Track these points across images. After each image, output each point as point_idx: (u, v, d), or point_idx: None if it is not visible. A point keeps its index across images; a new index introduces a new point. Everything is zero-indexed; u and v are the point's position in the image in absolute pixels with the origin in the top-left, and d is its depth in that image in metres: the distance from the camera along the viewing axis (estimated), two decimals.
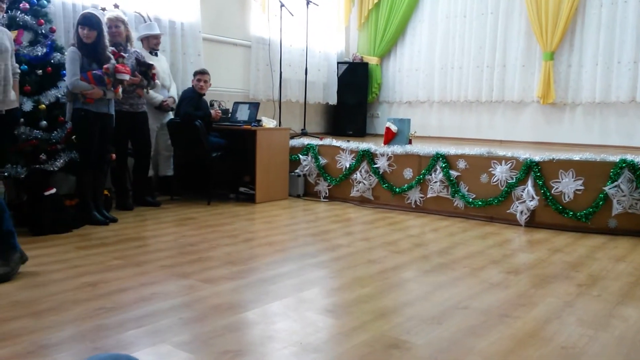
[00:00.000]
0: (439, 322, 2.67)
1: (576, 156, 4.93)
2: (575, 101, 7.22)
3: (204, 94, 5.86)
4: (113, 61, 4.59)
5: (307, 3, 7.17)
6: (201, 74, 5.77)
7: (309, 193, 6.49)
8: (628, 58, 6.73)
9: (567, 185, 4.88)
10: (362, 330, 2.56)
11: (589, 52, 7.02)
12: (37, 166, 4.41)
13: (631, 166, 4.67)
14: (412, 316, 2.75)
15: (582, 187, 4.84)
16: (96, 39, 4.51)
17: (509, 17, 7.59)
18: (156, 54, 5.72)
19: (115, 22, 5.02)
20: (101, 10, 5.13)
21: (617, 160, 4.73)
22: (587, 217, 4.81)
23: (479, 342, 2.44)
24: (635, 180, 4.67)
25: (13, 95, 4.06)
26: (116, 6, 5.28)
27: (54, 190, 4.41)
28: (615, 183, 4.70)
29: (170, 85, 5.90)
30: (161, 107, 5.74)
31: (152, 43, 5.66)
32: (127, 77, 4.65)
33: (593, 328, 2.64)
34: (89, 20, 4.47)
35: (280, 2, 6.89)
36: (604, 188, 4.74)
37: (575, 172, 4.86)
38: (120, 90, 4.68)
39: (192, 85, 5.81)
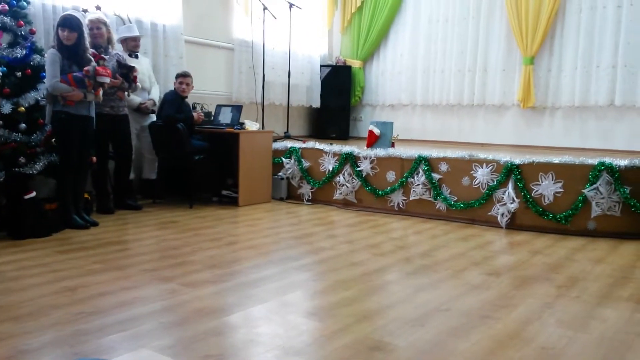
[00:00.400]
0: (421, 324, 2.68)
1: (556, 159, 4.99)
2: (555, 105, 7.32)
3: (186, 97, 5.83)
4: (94, 63, 4.55)
5: (290, 6, 7.18)
6: (183, 77, 5.75)
7: (292, 196, 6.48)
8: (607, 62, 6.84)
9: (547, 188, 4.94)
10: (345, 332, 2.56)
11: (569, 56, 7.12)
12: (17, 169, 4.35)
13: (609, 169, 4.74)
14: (394, 318, 2.76)
15: (561, 190, 4.90)
16: (76, 41, 4.47)
17: (489, 22, 7.67)
18: (136, 56, 5.67)
19: (97, 24, 4.97)
20: (82, 12, 5.08)
21: (596, 163, 4.80)
22: (567, 219, 4.87)
23: (460, 344, 2.46)
24: (613, 183, 4.74)
25: None
26: (98, 8, 5.24)
27: (33, 194, 4.36)
28: (594, 185, 4.76)
29: (150, 87, 5.85)
30: (139, 109, 5.70)
31: (130, 45, 5.61)
32: (107, 79, 4.61)
33: (572, 329, 2.68)
34: (69, 22, 4.43)
35: (263, 5, 6.89)
36: (583, 190, 4.81)
37: (555, 175, 4.93)
38: (100, 92, 4.64)
39: (174, 88, 5.78)
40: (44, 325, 2.54)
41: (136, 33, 5.64)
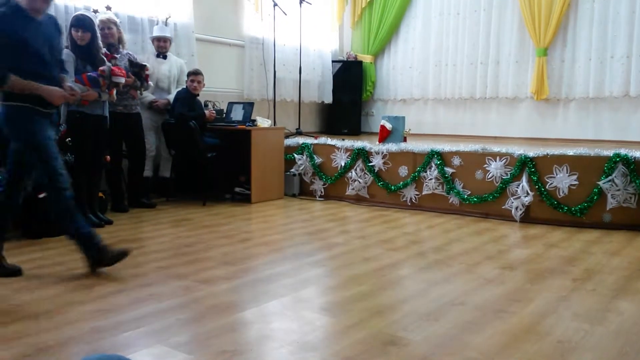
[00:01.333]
0: (436, 319, 2.67)
1: (570, 151, 4.95)
2: (568, 96, 7.24)
3: (197, 95, 5.85)
4: (109, 63, 4.59)
5: (301, 2, 7.17)
6: (194, 75, 5.76)
7: (304, 192, 6.49)
8: (621, 53, 6.76)
9: (562, 181, 4.90)
10: (359, 327, 2.56)
11: (582, 47, 7.04)
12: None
13: (625, 160, 4.69)
14: (408, 313, 2.75)
15: (576, 182, 4.86)
16: (90, 41, 4.51)
17: (501, 14, 7.60)
18: (164, 57, 5.78)
19: (108, 24, 5.01)
20: (93, 12, 5.12)
21: (611, 155, 4.75)
22: (582, 211, 4.82)
23: (475, 338, 2.45)
24: (629, 175, 4.69)
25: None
26: (108, 8, 5.28)
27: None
28: (610, 177, 4.72)
29: (169, 87, 5.90)
30: (151, 107, 5.75)
31: (156, 45, 5.78)
32: (122, 80, 4.65)
33: (589, 322, 2.66)
34: (82, 22, 4.46)
35: (273, 1, 6.89)
36: (598, 183, 4.76)
37: (569, 167, 4.88)
38: (114, 92, 4.67)
39: (186, 86, 5.80)
40: (61, 323, 2.57)
41: (164, 34, 5.77)
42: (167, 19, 5.91)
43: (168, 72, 5.86)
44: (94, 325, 2.55)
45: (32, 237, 4.24)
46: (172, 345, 2.36)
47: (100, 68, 4.51)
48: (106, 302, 2.87)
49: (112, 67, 4.57)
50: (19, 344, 2.35)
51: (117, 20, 5.16)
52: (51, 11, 5.06)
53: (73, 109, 4.56)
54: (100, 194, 5.00)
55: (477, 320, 2.66)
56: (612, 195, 4.72)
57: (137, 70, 5.04)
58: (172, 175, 6.04)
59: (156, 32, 5.78)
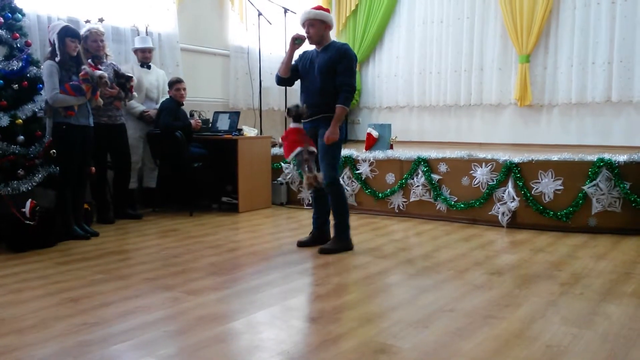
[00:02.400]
0: (425, 326, 2.68)
1: (555, 156, 4.99)
2: (551, 102, 7.33)
3: (182, 104, 5.83)
4: (84, 66, 4.57)
5: (285, 11, 7.18)
6: (178, 83, 5.75)
7: (292, 201, 6.48)
8: (602, 59, 6.86)
9: (547, 186, 4.94)
10: (349, 336, 2.56)
11: (564, 53, 7.14)
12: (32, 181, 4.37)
13: (609, 165, 4.75)
14: (398, 320, 2.75)
15: (561, 187, 4.90)
16: (78, 51, 4.54)
17: (484, 22, 7.69)
18: (148, 67, 5.77)
19: (101, 36, 5.08)
20: (85, 22, 5.14)
21: (595, 160, 4.80)
22: (568, 216, 4.87)
23: (465, 344, 2.46)
24: (613, 179, 4.74)
25: None
26: (101, 20, 5.30)
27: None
28: (594, 182, 4.77)
29: (158, 97, 5.89)
30: (142, 118, 5.72)
31: (141, 56, 5.75)
32: (103, 73, 4.63)
33: (577, 326, 2.67)
34: (77, 33, 4.55)
35: (258, 10, 6.90)
36: (583, 187, 4.81)
37: (554, 172, 4.93)
38: (99, 96, 4.64)
39: (171, 96, 5.77)
40: (47, 337, 2.54)
41: (147, 45, 5.74)
42: (146, 28, 5.89)
43: (156, 82, 5.87)
44: (81, 339, 2.52)
45: (17, 251, 4.18)
46: (161, 357, 2.33)
47: (81, 73, 4.48)
48: (93, 315, 2.83)
49: (88, 66, 4.56)
50: (5, 358, 2.31)
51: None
52: (35, 23, 5.07)
53: (59, 121, 4.53)
54: (86, 206, 4.95)
55: (466, 327, 2.67)
56: (597, 199, 4.77)
57: (123, 82, 5.03)
58: (158, 186, 6.00)
59: (139, 43, 5.76)
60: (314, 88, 4.18)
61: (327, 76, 4.11)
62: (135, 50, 5.78)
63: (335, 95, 4.10)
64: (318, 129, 4.20)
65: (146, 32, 5.90)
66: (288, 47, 4.24)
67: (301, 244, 4.39)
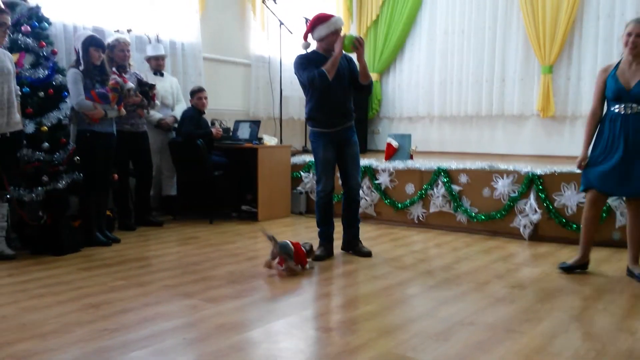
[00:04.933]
0: (445, 338, 2.65)
1: (578, 169, 4.91)
2: (575, 113, 7.23)
3: (204, 113, 5.89)
4: (114, 76, 4.65)
5: (306, 21, 7.21)
6: (200, 92, 5.83)
7: (311, 210, 6.46)
8: None
9: (570, 198, 4.87)
10: (368, 347, 2.54)
11: (588, 64, 7.05)
12: (54, 187, 4.43)
13: None
14: (417, 332, 2.73)
15: (585, 200, 4.82)
16: (103, 60, 4.63)
17: (506, 32, 7.63)
18: (161, 74, 5.83)
19: (128, 46, 5.18)
20: (114, 32, 5.24)
21: None
22: None
23: (486, 358, 2.42)
24: None
25: (17, 117, 4.11)
26: (129, 30, 5.40)
27: None
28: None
29: (173, 104, 5.95)
30: (160, 126, 5.78)
31: (154, 64, 5.79)
32: (132, 85, 4.76)
33: (600, 342, 2.62)
34: (101, 42, 4.63)
35: (279, 20, 6.95)
36: (607, 200, 4.73)
37: (577, 185, 4.85)
38: (122, 107, 4.72)
39: (192, 105, 5.84)
40: (68, 343, 2.56)
41: (161, 52, 5.80)
42: (157, 35, 5.96)
43: (170, 89, 5.92)
44: (102, 345, 2.54)
45: (59, 254, 4.26)
46: None
47: (111, 82, 4.57)
48: (113, 321, 2.85)
49: (119, 77, 4.65)
50: None
51: None
52: (61, 32, 5.17)
53: (83, 128, 4.61)
54: (108, 212, 5.01)
55: (487, 340, 2.63)
56: (620, 212, 4.69)
57: (146, 90, 5.10)
58: (179, 194, 6.05)
59: (152, 51, 5.81)
60: (347, 96, 4.28)
61: (351, 84, 4.25)
62: (149, 59, 5.82)
63: (352, 103, 4.33)
64: (346, 137, 4.31)
65: (157, 39, 5.96)
66: (338, 47, 4.07)
67: (318, 259, 4.24)
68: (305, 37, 4.27)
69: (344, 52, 4.11)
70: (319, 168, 4.37)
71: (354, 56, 4.24)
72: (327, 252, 4.36)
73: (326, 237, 4.39)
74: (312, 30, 4.20)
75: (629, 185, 3.67)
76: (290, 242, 3.91)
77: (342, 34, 4.14)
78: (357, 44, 4.04)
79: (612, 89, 3.74)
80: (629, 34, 3.66)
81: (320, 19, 4.17)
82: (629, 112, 3.67)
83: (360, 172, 4.40)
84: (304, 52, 4.29)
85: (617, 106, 3.73)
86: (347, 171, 4.38)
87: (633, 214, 3.79)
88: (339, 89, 4.22)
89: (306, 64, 4.15)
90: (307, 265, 3.95)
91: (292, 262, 3.83)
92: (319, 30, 4.17)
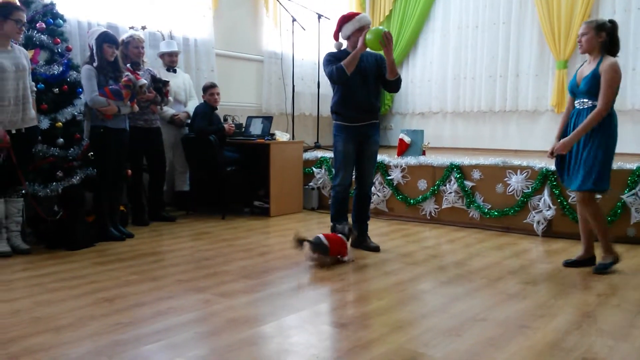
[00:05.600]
0: (458, 334, 2.64)
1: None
2: None
3: (216, 109, 5.91)
4: (128, 73, 4.68)
5: (319, 17, 7.21)
6: (212, 88, 5.85)
7: (323, 206, 6.48)
8: None
9: None
10: (380, 343, 2.54)
11: None
12: (69, 182, 4.47)
13: None
14: (429, 328, 2.72)
15: (599, 196, 4.77)
16: (116, 56, 4.66)
17: (521, 27, 7.57)
18: (174, 71, 5.86)
19: (142, 43, 5.21)
20: (129, 29, 5.29)
21: (635, 168, 4.68)
22: None
23: (498, 354, 2.41)
24: None
25: (33, 113, 4.15)
26: (144, 27, 5.45)
27: None
28: (633, 191, 4.64)
29: (186, 100, 5.98)
30: (173, 121, 5.81)
31: (167, 60, 5.82)
32: (145, 81, 4.79)
33: (614, 338, 2.60)
34: (115, 39, 4.65)
35: (292, 16, 6.95)
36: (621, 196, 4.68)
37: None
38: (135, 103, 4.75)
39: (205, 101, 5.86)
40: (82, 336, 2.59)
41: (174, 49, 5.83)
42: (170, 32, 5.99)
43: (183, 85, 5.95)
44: (115, 338, 2.57)
45: (74, 249, 4.31)
46: (192, 359, 2.35)
47: (124, 79, 4.59)
48: (126, 315, 2.88)
49: (132, 74, 4.68)
50: (42, 356, 2.37)
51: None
52: (75, 28, 5.21)
53: (97, 124, 4.64)
54: (122, 208, 5.05)
55: (500, 336, 2.62)
56: (636, 209, 4.64)
57: (160, 86, 5.12)
58: (192, 189, 6.08)
59: (165, 48, 5.84)
60: (372, 92, 4.29)
61: (378, 80, 4.26)
62: (162, 55, 5.85)
63: (379, 100, 4.39)
64: (368, 134, 4.36)
65: (170, 36, 5.99)
66: (360, 43, 4.05)
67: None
68: (336, 37, 4.33)
69: (370, 49, 4.11)
70: (338, 161, 4.40)
71: (382, 52, 4.20)
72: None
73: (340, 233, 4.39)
74: (340, 29, 4.26)
75: (575, 179, 3.78)
76: (324, 235, 3.96)
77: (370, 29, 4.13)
78: (385, 40, 3.99)
79: (569, 84, 3.93)
80: (579, 34, 3.86)
81: (346, 18, 4.23)
82: (581, 107, 3.78)
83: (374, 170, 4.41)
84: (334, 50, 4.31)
85: (576, 101, 3.86)
86: (363, 168, 4.42)
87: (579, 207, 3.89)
88: (363, 85, 4.23)
89: (332, 61, 4.21)
90: (346, 257, 4.00)
91: (329, 258, 3.90)
92: (345, 29, 4.23)
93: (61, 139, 4.49)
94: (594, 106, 3.69)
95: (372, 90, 4.30)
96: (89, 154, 4.64)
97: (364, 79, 4.22)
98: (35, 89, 4.28)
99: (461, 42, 8.14)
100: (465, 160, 5.57)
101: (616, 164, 4.79)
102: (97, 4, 5.46)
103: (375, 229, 5.37)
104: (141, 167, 5.41)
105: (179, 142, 5.91)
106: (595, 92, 3.68)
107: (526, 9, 7.51)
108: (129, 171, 5.08)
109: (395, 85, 4.30)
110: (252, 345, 2.52)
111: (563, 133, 3.90)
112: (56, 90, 4.54)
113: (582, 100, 3.78)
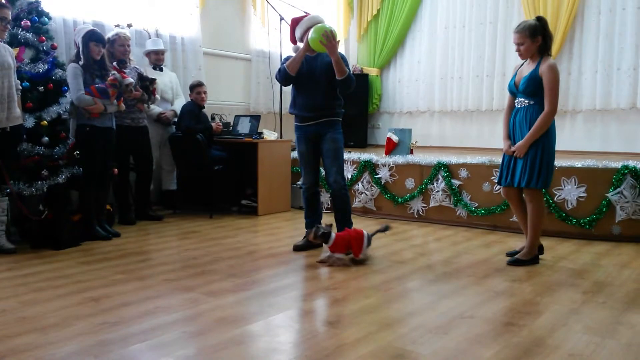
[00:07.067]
0: (445, 332, 2.65)
1: (578, 163, 4.93)
2: (575, 108, 7.22)
3: (203, 107, 5.89)
4: (113, 71, 4.65)
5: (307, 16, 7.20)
6: (199, 86, 5.83)
7: None
8: (627, 65, 6.74)
9: (570, 193, 4.88)
10: (367, 341, 2.54)
11: (589, 59, 7.03)
12: (54, 182, 4.43)
13: (633, 172, 4.67)
14: (417, 326, 2.73)
15: (584, 194, 4.83)
16: (102, 55, 4.62)
17: (507, 26, 7.60)
18: (160, 69, 5.82)
19: (128, 41, 5.18)
20: (115, 27, 5.25)
21: (619, 167, 4.73)
22: (591, 224, 4.79)
23: (485, 352, 2.43)
24: (637, 186, 4.66)
25: (18, 111, 4.11)
26: (129, 25, 5.40)
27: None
28: (618, 189, 4.69)
29: (173, 99, 5.95)
30: (159, 120, 5.78)
31: (153, 58, 5.77)
32: (131, 80, 4.74)
33: (600, 335, 2.62)
34: (102, 37, 4.62)
35: (279, 15, 6.94)
36: (606, 195, 4.73)
37: (577, 179, 4.86)
38: (122, 102, 4.72)
39: (192, 99, 5.83)
40: (68, 336, 2.57)
41: (160, 47, 5.80)
42: (157, 30, 5.97)
43: (169, 83, 5.92)
44: (102, 338, 2.55)
45: (59, 249, 4.27)
46: (180, 358, 2.34)
47: (110, 78, 4.56)
48: (113, 314, 2.86)
49: (119, 72, 4.64)
50: (27, 356, 2.34)
51: None
52: (61, 26, 5.16)
53: (83, 123, 4.60)
54: (108, 207, 5.01)
55: (486, 334, 2.64)
56: (621, 207, 4.69)
57: (147, 84, 5.09)
58: (179, 188, 6.05)
59: (151, 46, 5.81)
60: (319, 91, 4.23)
61: (331, 79, 4.19)
62: (148, 53, 5.81)
63: (335, 98, 4.28)
64: (323, 133, 4.30)
65: (157, 34, 5.96)
66: (305, 42, 4.12)
67: (298, 248, 4.38)
68: (293, 41, 4.36)
69: (314, 49, 4.08)
70: (299, 161, 4.49)
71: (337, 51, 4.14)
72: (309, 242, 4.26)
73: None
74: (293, 33, 4.30)
75: (515, 176, 3.90)
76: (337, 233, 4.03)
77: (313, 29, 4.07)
78: (325, 39, 3.95)
79: (509, 84, 4.05)
80: (515, 44, 4.00)
81: (295, 21, 4.28)
82: (520, 106, 3.94)
83: (343, 170, 4.35)
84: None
85: (515, 100, 4.00)
86: (325, 167, 4.40)
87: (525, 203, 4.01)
88: (313, 85, 4.23)
89: (283, 63, 4.27)
90: (361, 255, 3.98)
91: (338, 255, 3.92)
92: (297, 32, 4.28)
93: (46, 138, 4.44)
94: (530, 105, 3.86)
95: (324, 90, 4.23)
96: (75, 152, 4.59)
97: (313, 79, 4.22)
98: (20, 87, 4.23)
99: (448, 41, 8.17)
100: (452, 159, 5.60)
101: (601, 163, 4.85)
102: (82, 2, 5.41)
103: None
104: (128, 166, 5.37)
105: (166, 141, 5.88)
106: (533, 92, 3.84)
107: (512, 9, 7.56)
108: (116, 170, 5.05)
109: (343, 84, 4.18)
110: (240, 344, 2.52)
111: (509, 133, 4.02)
112: (41, 88, 4.49)
113: (520, 100, 3.93)
